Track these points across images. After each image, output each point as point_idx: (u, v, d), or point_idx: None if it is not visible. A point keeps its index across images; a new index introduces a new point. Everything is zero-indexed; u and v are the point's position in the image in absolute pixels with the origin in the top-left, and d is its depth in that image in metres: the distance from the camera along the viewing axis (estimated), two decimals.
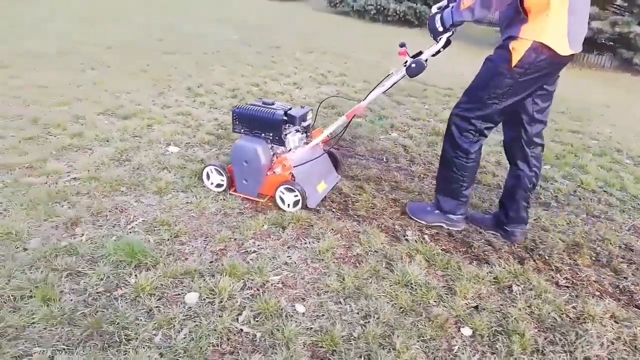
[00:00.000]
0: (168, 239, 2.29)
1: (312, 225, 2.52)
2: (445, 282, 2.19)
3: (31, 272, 1.96)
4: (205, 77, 5.34)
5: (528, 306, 2.07)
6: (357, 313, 1.94)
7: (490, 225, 2.66)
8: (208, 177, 2.80)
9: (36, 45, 5.87)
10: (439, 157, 2.61)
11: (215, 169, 2.75)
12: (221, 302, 1.91)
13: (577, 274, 2.36)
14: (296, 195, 2.59)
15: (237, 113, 2.72)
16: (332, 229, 2.50)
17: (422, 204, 2.80)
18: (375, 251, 2.36)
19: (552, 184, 3.46)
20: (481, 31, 12.43)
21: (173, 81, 5.03)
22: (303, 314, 1.91)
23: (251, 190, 2.74)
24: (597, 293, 2.23)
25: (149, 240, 2.27)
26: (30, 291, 1.85)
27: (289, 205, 2.63)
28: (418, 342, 1.81)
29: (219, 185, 2.78)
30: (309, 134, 2.91)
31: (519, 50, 2.10)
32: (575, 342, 1.89)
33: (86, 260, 2.09)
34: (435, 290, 2.09)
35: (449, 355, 1.78)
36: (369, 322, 1.88)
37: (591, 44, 9.64)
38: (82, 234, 2.27)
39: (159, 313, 1.82)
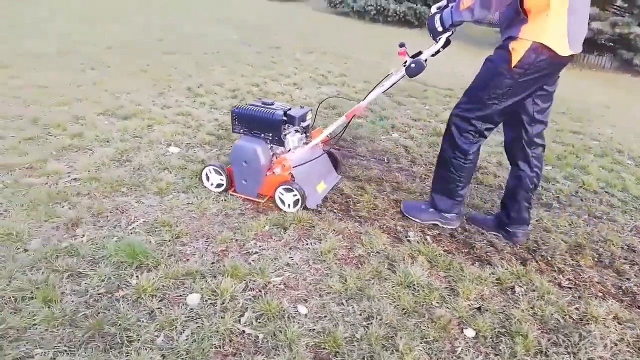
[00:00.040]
0: (169, 240, 2.28)
1: (313, 226, 2.51)
2: (447, 283, 2.19)
3: (32, 273, 1.95)
4: (206, 77, 5.33)
5: (531, 307, 2.07)
6: (360, 314, 1.93)
7: (492, 226, 2.65)
8: (207, 178, 2.79)
9: (36, 45, 5.86)
10: None
11: (213, 169, 2.74)
12: (223, 303, 1.90)
13: (580, 275, 2.35)
14: (295, 195, 2.58)
15: (236, 113, 2.71)
16: (334, 230, 2.49)
17: (416, 203, 2.81)
18: (377, 252, 2.36)
19: (553, 184, 3.46)
20: (481, 32, 12.44)
21: (173, 81, 5.02)
22: (305, 315, 1.90)
23: (250, 191, 2.73)
24: (600, 294, 2.22)
25: (150, 241, 2.26)
26: (31, 292, 1.84)
27: (289, 205, 2.62)
28: (421, 343, 1.81)
29: (219, 185, 2.77)
30: (308, 134, 2.90)
31: (518, 50, 2.09)
32: (578, 344, 1.88)
33: (87, 261, 2.08)
34: (437, 292, 2.09)
35: (452, 357, 1.77)
36: (371, 323, 1.87)
37: (591, 44, 9.65)
38: (83, 235, 2.26)
39: (160, 314, 1.81)
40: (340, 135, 2.95)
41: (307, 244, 2.37)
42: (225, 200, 2.70)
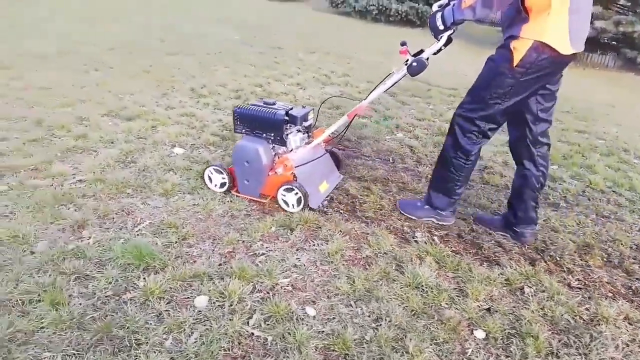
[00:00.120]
0: (176, 242, 2.27)
1: (320, 227, 2.50)
2: (456, 284, 2.17)
3: (39, 276, 1.94)
4: (209, 77, 5.32)
5: (541, 308, 2.05)
6: (369, 316, 1.92)
7: (499, 227, 2.64)
8: (210, 179, 2.77)
9: (36, 46, 5.84)
10: None
11: (214, 169, 2.73)
12: (231, 305, 1.89)
13: (589, 275, 2.34)
14: (297, 193, 2.56)
15: (238, 113, 2.69)
16: (341, 231, 2.48)
17: (412, 200, 2.81)
18: (384, 253, 2.34)
19: (560, 184, 3.44)
20: (483, 31, 12.42)
21: (176, 82, 5.01)
22: (314, 317, 1.89)
23: (253, 191, 2.72)
24: (610, 294, 2.21)
25: (157, 243, 2.25)
26: (39, 295, 1.83)
27: (292, 205, 2.61)
28: (431, 345, 1.79)
29: (222, 185, 2.76)
30: (310, 133, 2.89)
31: (520, 49, 2.08)
32: (589, 345, 1.86)
33: (94, 263, 2.07)
34: (446, 293, 2.07)
35: (463, 359, 1.76)
36: (380, 325, 1.86)
37: (595, 43, 9.63)
38: (89, 237, 2.25)
39: (168, 317, 1.80)
40: (342, 134, 2.94)
41: (314, 245, 2.35)
42: (231, 202, 2.69)
